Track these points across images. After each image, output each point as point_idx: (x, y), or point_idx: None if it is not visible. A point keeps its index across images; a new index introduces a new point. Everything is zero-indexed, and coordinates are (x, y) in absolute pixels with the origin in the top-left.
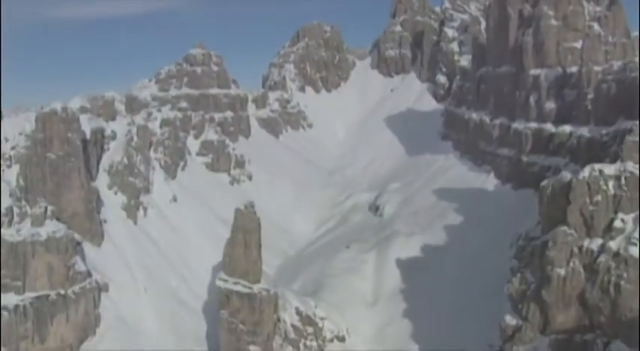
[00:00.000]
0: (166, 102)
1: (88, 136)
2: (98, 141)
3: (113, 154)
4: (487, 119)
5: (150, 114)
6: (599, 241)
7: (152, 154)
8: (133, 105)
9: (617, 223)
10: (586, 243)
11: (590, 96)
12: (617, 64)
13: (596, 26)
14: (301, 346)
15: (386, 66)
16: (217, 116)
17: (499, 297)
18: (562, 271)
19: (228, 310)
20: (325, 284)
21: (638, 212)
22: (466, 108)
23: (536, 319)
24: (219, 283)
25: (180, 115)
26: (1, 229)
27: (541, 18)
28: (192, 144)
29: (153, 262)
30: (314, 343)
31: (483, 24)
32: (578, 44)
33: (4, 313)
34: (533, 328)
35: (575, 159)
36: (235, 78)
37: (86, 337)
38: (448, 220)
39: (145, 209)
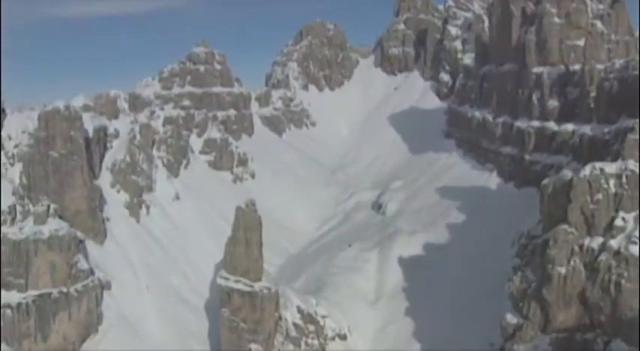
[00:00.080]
0: (169, 100)
1: (91, 134)
2: (101, 139)
3: (116, 152)
4: (490, 117)
5: (153, 112)
6: (599, 240)
7: (155, 152)
8: (136, 103)
9: (618, 222)
10: (587, 241)
11: (593, 94)
12: (619, 62)
13: (599, 24)
14: (302, 344)
15: (389, 64)
16: (220, 114)
17: (501, 296)
18: (563, 270)
19: (229, 308)
20: (327, 282)
21: (639, 211)
22: (469, 106)
23: (536, 317)
24: (220, 281)
25: (183, 113)
26: (4, 228)
27: (544, 16)
28: (195, 142)
29: (155, 260)
30: (315, 342)
31: (486, 22)
32: (581, 42)
33: (7, 311)
34: (534, 326)
35: (577, 157)
36: (239, 76)
37: (88, 335)
38: (451, 218)
39: (148, 207)
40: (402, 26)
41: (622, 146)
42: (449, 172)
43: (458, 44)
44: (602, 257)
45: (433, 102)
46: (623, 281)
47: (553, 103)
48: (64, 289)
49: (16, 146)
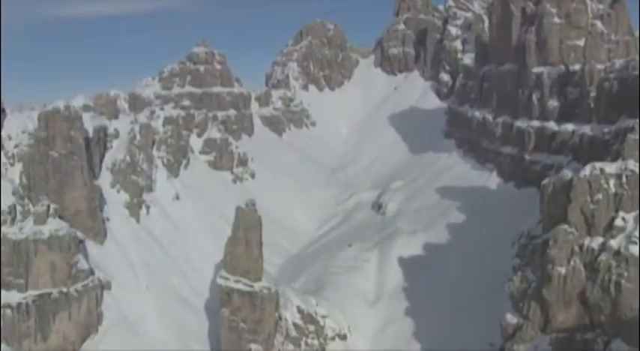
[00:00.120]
0: (169, 100)
1: (91, 134)
2: (101, 139)
3: (116, 152)
4: (490, 117)
5: (153, 112)
6: (599, 240)
7: (155, 152)
8: (136, 103)
9: (618, 222)
10: (587, 242)
11: (593, 94)
12: (619, 62)
13: (599, 24)
14: (302, 344)
15: (389, 64)
16: (220, 114)
17: (501, 296)
18: (563, 270)
19: (229, 308)
20: (327, 282)
21: (639, 211)
22: (469, 106)
23: (536, 317)
24: (220, 281)
25: (183, 113)
26: (4, 228)
27: (544, 16)
28: (195, 142)
29: (155, 260)
30: (315, 342)
31: (486, 22)
32: (581, 42)
33: (7, 311)
34: (534, 326)
35: (577, 157)
36: (239, 76)
37: (88, 335)
38: (451, 218)
39: (148, 207)
40: (402, 26)
41: (622, 146)
42: (449, 172)
43: (458, 44)
44: (602, 257)
45: (433, 102)
46: (623, 281)
47: (553, 103)
48: (64, 289)
49: (16, 146)
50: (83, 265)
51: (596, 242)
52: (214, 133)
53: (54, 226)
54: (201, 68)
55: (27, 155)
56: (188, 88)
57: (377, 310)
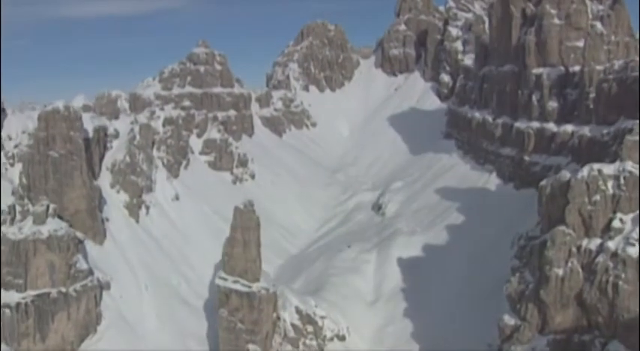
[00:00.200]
0: (170, 101)
1: (91, 134)
2: (101, 139)
3: (116, 152)
4: (490, 118)
5: (153, 113)
6: (597, 241)
7: (155, 152)
8: (137, 104)
9: (616, 223)
10: (584, 243)
11: (592, 95)
12: (618, 63)
13: (598, 25)
14: (301, 345)
15: (390, 65)
16: (220, 115)
17: (500, 297)
18: (560, 271)
19: (227, 308)
20: (326, 283)
21: (637, 212)
22: (469, 107)
23: (534, 319)
24: (218, 281)
25: (183, 113)
26: (4, 227)
27: (544, 17)
28: (195, 143)
29: (154, 260)
30: (314, 342)
31: (487, 23)
32: (581, 43)
33: (6, 311)
34: (532, 328)
35: (576, 158)
36: (239, 77)
37: (87, 335)
38: (450, 219)
39: (148, 208)
40: (402, 27)
41: (620, 147)
42: (449, 173)
43: (458, 45)
44: (600, 259)
45: (434, 103)
46: (620, 283)
47: (552, 104)
48: (63, 289)
49: (16, 146)
50: (82, 265)
51: (594, 243)
52: (214, 133)
53: (53, 226)
54: (202, 69)
55: (27, 155)
56: (188, 89)
57: (376, 310)
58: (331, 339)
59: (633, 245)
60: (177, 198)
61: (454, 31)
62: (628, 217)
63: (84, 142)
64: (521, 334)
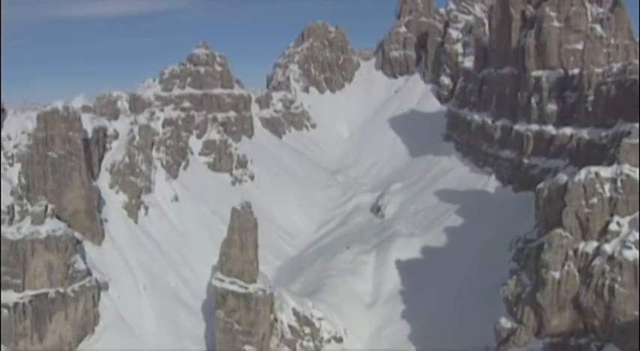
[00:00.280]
0: (169, 102)
1: (90, 135)
2: (100, 140)
3: (115, 153)
4: (489, 121)
5: (153, 113)
6: (594, 244)
7: (154, 153)
8: (137, 104)
9: (613, 226)
10: (581, 246)
11: (591, 98)
12: (616, 66)
13: (598, 28)
14: (298, 346)
15: (390, 67)
16: (220, 116)
17: (498, 299)
18: (557, 274)
19: (224, 309)
20: (324, 285)
21: (634, 215)
22: (468, 109)
23: (530, 322)
24: (215, 282)
25: (183, 114)
26: (2, 227)
27: (543, 19)
28: (195, 144)
29: (153, 261)
30: (311, 344)
31: (487, 25)
32: (581, 46)
33: (4, 311)
34: (528, 331)
35: (574, 161)
36: (240, 78)
37: (85, 336)
38: (449, 221)
39: (146, 208)
40: (403, 29)
41: (618, 150)
42: (448, 175)
43: (459, 47)
44: (597, 262)
45: (434, 105)
46: (616, 286)
47: (552, 107)
48: (61, 290)
49: (15, 146)
50: (80, 265)
51: (591, 247)
52: (214, 134)
53: (51, 226)
54: (202, 70)
55: (26, 155)
56: (188, 90)
57: (373, 312)
58: (328, 341)
59: (630, 248)
60: (176, 199)
61: (454, 34)
62: (625, 220)
63: (83, 142)
64: (517, 337)
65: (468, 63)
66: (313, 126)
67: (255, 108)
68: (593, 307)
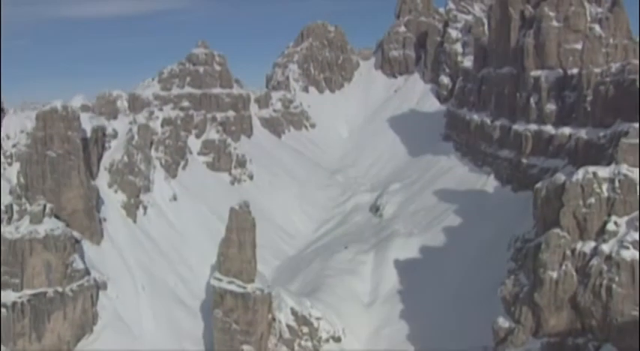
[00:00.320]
0: (168, 101)
1: (89, 134)
2: (99, 139)
3: (114, 152)
4: (488, 120)
5: (152, 113)
6: (591, 244)
7: (153, 152)
8: (136, 104)
9: (610, 226)
10: (579, 246)
11: (589, 98)
12: (615, 66)
13: (597, 28)
14: (296, 346)
15: (389, 67)
16: (219, 116)
17: (496, 299)
18: (554, 274)
19: (222, 309)
20: (323, 284)
21: (631, 215)
22: (468, 109)
23: (528, 321)
24: (213, 282)
25: (182, 114)
26: (1, 227)
27: (542, 19)
28: (194, 143)
29: (151, 260)
30: (309, 344)
31: (486, 25)
32: (579, 46)
33: (3, 311)
34: (526, 330)
35: (573, 161)
36: (239, 78)
37: (83, 335)
38: (447, 221)
39: (145, 208)
40: (402, 29)
41: (616, 150)
42: (447, 174)
43: (458, 47)
44: (594, 262)
45: (433, 105)
46: (614, 286)
47: (550, 107)
48: (60, 289)
49: (14, 146)
50: (79, 264)
51: (588, 246)
52: (213, 134)
53: (50, 225)
54: (201, 69)
55: (24, 155)
56: (187, 89)
57: (372, 312)
58: (327, 340)
59: (627, 248)
60: (175, 198)
61: (454, 33)
62: (622, 220)
63: (82, 142)
64: (515, 337)
65: (468, 63)
66: (312, 126)
67: (254, 108)
68: (590, 306)
